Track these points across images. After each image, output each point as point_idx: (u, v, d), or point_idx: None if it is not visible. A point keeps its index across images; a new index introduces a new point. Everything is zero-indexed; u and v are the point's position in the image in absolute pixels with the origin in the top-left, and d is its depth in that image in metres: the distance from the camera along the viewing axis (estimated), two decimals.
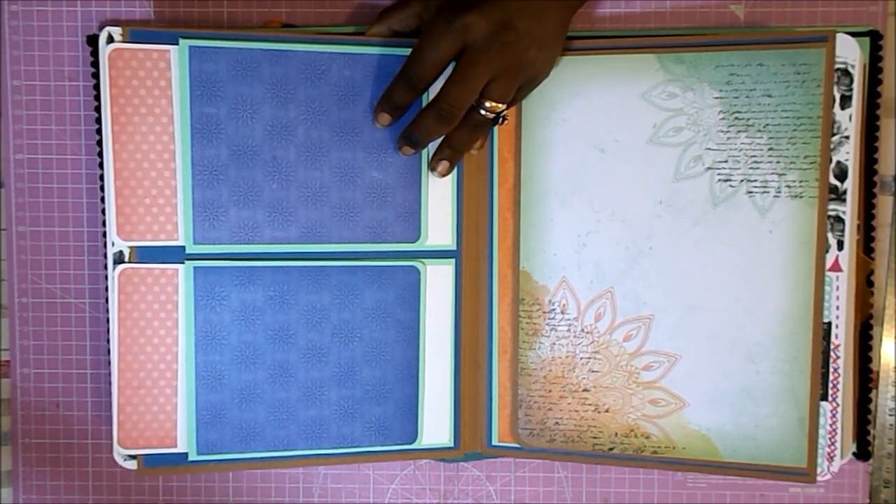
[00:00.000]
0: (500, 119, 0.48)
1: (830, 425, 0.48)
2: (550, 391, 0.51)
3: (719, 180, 0.49)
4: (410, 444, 0.51)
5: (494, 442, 0.52)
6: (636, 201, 0.50)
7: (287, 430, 0.50)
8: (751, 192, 0.48)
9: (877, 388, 0.53)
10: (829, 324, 0.48)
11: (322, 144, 0.48)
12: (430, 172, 0.49)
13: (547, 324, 0.51)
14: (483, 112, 0.46)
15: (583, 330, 0.51)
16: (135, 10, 0.51)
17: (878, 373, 0.53)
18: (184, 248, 0.48)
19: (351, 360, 0.50)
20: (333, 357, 0.50)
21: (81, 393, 0.52)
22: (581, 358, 0.51)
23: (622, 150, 0.49)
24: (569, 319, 0.51)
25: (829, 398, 0.48)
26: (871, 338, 0.52)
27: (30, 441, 0.53)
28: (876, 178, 0.51)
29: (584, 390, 0.51)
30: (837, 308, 0.48)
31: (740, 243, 0.49)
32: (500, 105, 0.46)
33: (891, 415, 0.53)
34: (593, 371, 0.51)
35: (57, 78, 0.51)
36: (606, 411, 0.51)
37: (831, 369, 0.48)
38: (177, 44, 0.47)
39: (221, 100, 0.47)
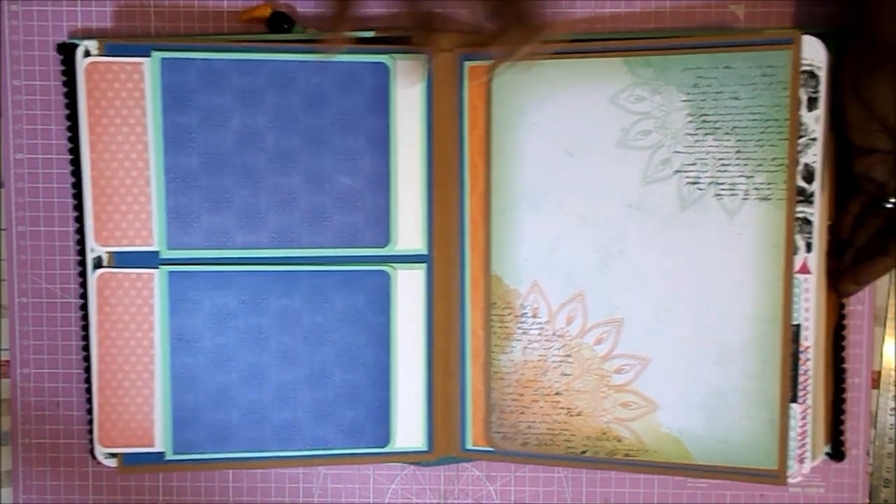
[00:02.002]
0: None
1: (801, 427, 0.50)
2: (523, 395, 0.54)
3: (687, 183, 0.51)
4: (383, 447, 0.54)
5: (468, 445, 0.55)
6: (606, 205, 0.52)
7: (260, 431, 0.53)
8: (719, 195, 0.50)
9: (877, 388, 0.55)
10: (799, 326, 0.50)
11: (291, 151, 0.52)
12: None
13: (519, 327, 0.53)
14: None
15: (554, 333, 0.53)
16: (135, 10, 0.54)
17: (878, 373, 0.55)
18: (158, 253, 0.52)
19: (323, 364, 0.53)
20: (305, 360, 0.53)
21: (81, 393, 0.56)
22: (553, 361, 0.53)
23: (591, 153, 0.52)
24: (540, 323, 0.53)
25: (800, 400, 0.50)
26: (843, 338, 0.54)
27: (30, 441, 0.56)
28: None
29: (557, 394, 0.53)
30: (807, 310, 0.50)
31: (709, 246, 0.51)
32: None
33: (891, 415, 0.55)
34: (565, 374, 0.53)
35: (57, 78, 0.54)
36: (579, 414, 0.53)
37: (801, 371, 0.50)
38: (149, 56, 0.50)
39: (193, 109, 0.51)
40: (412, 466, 0.57)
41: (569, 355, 0.53)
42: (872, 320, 0.54)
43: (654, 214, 0.51)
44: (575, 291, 0.53)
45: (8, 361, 0.56)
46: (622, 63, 0.51)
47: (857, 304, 0.54)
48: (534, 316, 0.53)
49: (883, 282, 0.54)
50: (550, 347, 0.53)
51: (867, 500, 0.55)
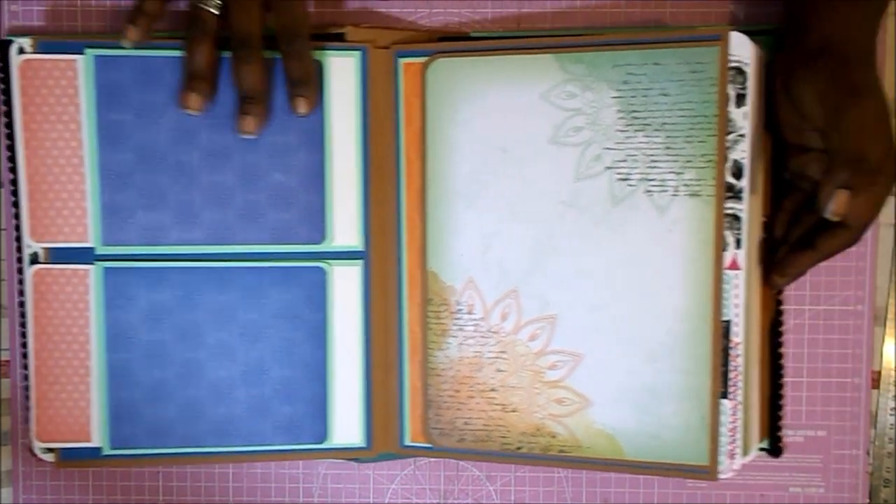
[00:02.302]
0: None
1: (731, 423, 0.50)
2: (459, 391, 0.54)
3: (618, 179, 0.51)
4: (321, 443, 0.55)
5: (407, 442, 0.56)
6: (539, 201, 0.52)
7: (197, 427, 0.54)
8: (649, 192, 0.51)
9: (877, 388, 0.55)
10: (729, 322, 0.50)
11: (225, 148, 0.52)
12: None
13: (454, 324, 0.54)
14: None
15: (489, 330, 0.53)
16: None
17: (878, 373, 0.55)
18: (94, 249, 0.52)
19: (259, 360, 0.54)
20: (241, 356, 0.54)
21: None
22: (488, 358, 0.54)
23: (524, 150, 0.52)
24: (475, 320, 0.54)
25: (730, 396, 0.50)
26: (780, 334, 0.54)
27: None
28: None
29: (492, 390, 0.54)
30: (736, 306, 0.50)
31: (640, 242, 0.51)
32: None
33: (891, 415, 0.55)
34: (500, 371, 0.54)
35: None
36: (513, 411, 0.53)
37: (731, 367, 0.50)
38: (83, 53, 0.51)
39: (127, 107, 0.52)
40: (412, 466, 0.57)
41: (504, 352, 0.53)
42: (872, 320, 0.55)
43: (586, 211, 0.52)
44: (509, 288, 0.53)
45: (8, 361, 0.56)
46: (554, 59, 0.51)
47: (857, 304, 0.55)
48: (469, 312, 0.54)
49: (883, 282, 0.55)
50: (486, 344, 0.54)
51: (867, 500, 0.56)
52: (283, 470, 0.57)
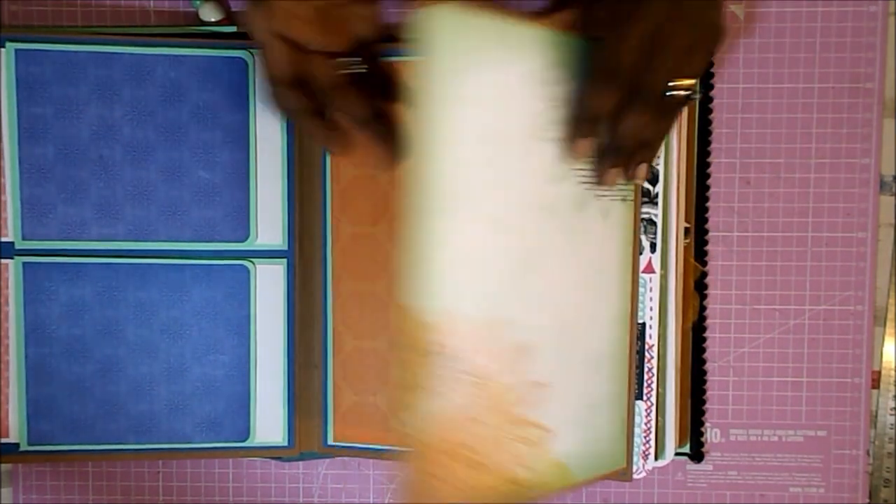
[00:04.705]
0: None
1: (646, 424, 0.52)
2: None
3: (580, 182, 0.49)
4: (243, 441, 0.56)
5: (330, 441, 0.57)
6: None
7: (117, 423, 0.55)
8: (599, 196, 0.48)
9: (877, 388, 0.57)
10: (644, 324, 0.52)
11: (148, 144, 0.54)
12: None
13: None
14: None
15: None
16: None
17: (878, 372, 0.57)
18: (13, 243, 0.54)
19: (180, 357, 0.55)
20: (163, 353, 0.55)
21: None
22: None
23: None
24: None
25: (644, 397, 0.52)
26: (704, 339, 0.56)
27: None
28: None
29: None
30: (651, 309, 0.52)
31: (591, 250, 0.49)
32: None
33: (891, 415, 0.57)
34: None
35: None
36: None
37: (646, 369, 0.52)
38: (4, 47, 0.52)
39: (48, 100, 0.53)
40: None
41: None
42: (872, 320, 0.56)
43: (556, 216, 0.47)
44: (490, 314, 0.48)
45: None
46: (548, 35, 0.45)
47: (857, 304, 0.56)
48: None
49: (883, 282, 0.56)
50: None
51: (867, 500, 0.57)
52: (283, 470, 0.58)
